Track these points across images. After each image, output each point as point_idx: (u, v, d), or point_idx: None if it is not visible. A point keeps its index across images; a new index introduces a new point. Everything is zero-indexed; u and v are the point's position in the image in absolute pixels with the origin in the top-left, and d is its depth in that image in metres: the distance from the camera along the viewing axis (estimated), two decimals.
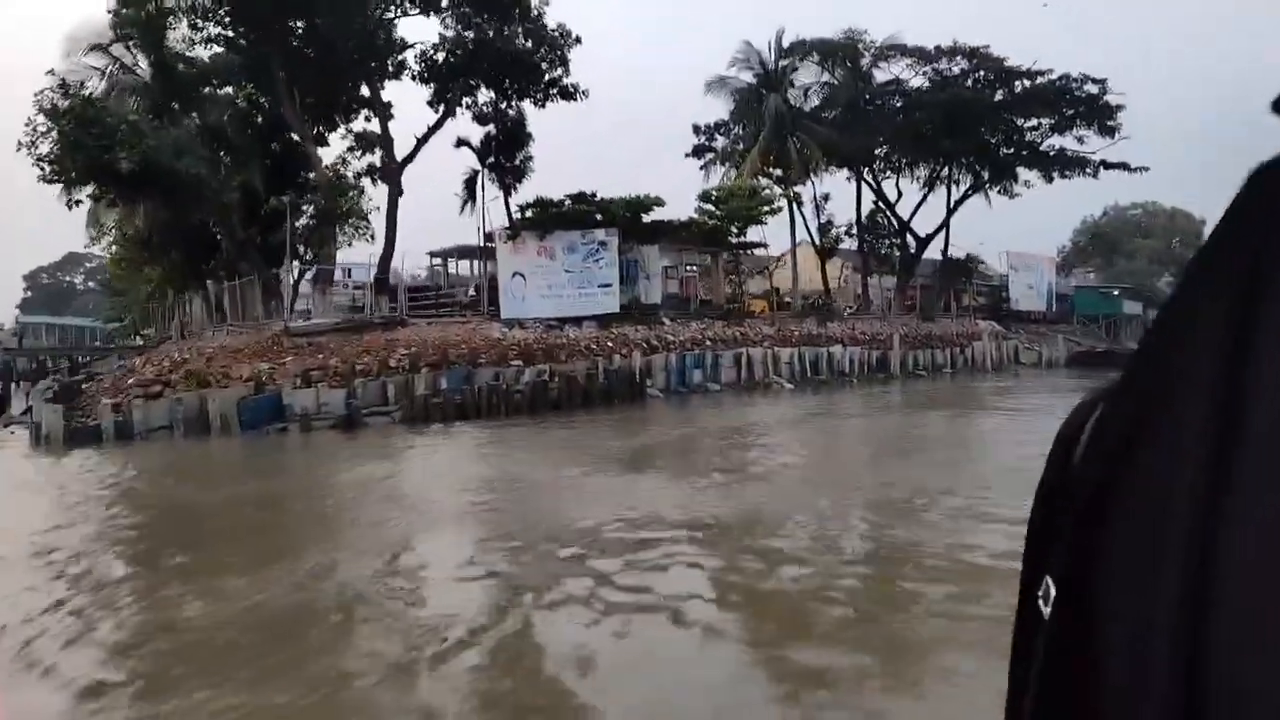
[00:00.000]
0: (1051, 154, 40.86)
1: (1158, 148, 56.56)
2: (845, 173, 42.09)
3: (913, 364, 36.26)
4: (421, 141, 27.02)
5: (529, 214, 28.31)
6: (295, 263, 26.19)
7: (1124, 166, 40.73)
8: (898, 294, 43.28)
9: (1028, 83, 37.62)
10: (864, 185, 42.09)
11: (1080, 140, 39.02)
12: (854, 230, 40.59)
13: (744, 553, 7.60)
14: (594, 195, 28.27)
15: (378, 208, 30.23)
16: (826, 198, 40.59)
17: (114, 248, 32.74)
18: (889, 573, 7.05)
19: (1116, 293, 58.28)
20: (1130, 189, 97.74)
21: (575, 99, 28.06)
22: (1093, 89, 37.46)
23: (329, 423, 18.10)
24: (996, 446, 14.05)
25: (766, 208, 32.58)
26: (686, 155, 41.29)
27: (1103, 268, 69.34)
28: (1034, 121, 39.18)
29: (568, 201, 28.49)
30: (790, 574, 6.95)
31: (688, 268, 36.18)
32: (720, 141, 40.62)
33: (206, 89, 27.00)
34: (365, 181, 32.75)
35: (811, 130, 36.59)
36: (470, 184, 29.90)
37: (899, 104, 38.33)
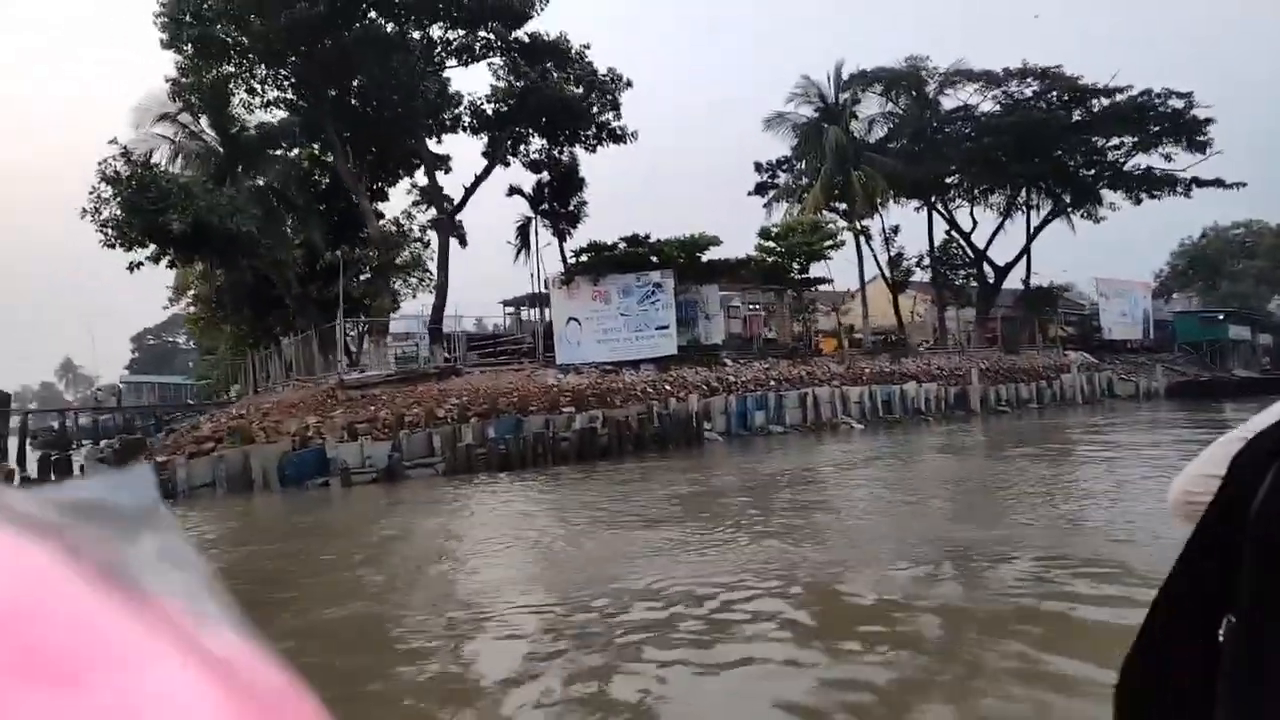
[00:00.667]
0: (1136, 174, 38.70)
1: (1258, 163, 53.20)
2: (916, 204, 40.85)
3: (995, 399, 34.34)
4: (469, 191, 27.20)
5: (583, 259, 28.02)
6: (355, 316, 26.43)
7: (1219, 183, 38.27)
8: (977, 326, 41.36)
9: (1105, 101, 35.76)
10: (936, 215, 40.71)
11: (1168, 158, 36.83)
12: (925, 261, 39.04)
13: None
14: (647, 237, 27.82)
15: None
16: (896, 230, 39.31)
17: (190, 307, 33.87)
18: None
19: (1221, 317, 54.57)
20: (1231, 208, 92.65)
21: (625, 142, 27.87)
22: (1177, 103, 35.35)
23: (370, 476, 17.82)
24: (1097, 499, 12.67)
25: (829, 242, 31.50)
26: (749, 194, 40.72)
27: (1205, 292, 65.26)
28: (1115, 141, 37.17)
29: (621, 245, 28.09)
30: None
31: (750, 306, 35.27)
32: (783, 178, 39.85)
33: (271, 150, 27.77)
34: (431, 234, 33.34)
35: (875, 161, 35.48)
36: (523, 230, 29.93)
37: (967, 130, 36.90)
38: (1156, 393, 40.71)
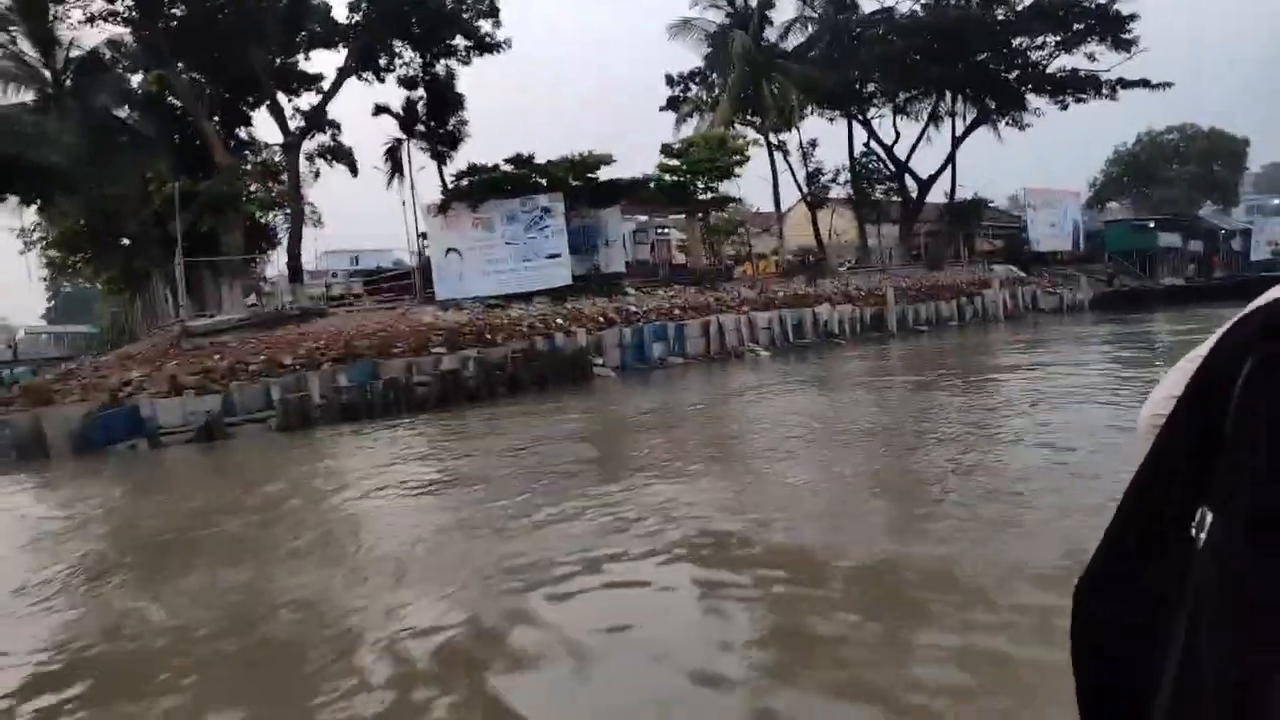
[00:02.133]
0: (1061, 76, 37.02)
1: (1191, 64, 51.82)
2: (835, 115, 38.83)
3: (913, 319, 33.12)
4: (318, 109, 24.59)
5: (463, 184, 25.75)
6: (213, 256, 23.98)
7: (1144, 84, 36.78)
8: (900, 243, 39.99)
9: None
10: (857, 128, 38.77)
11: (1092, 58, 35.15)
12: (840, 177, 37.24)
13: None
14: (531, 157, 25.59)
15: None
16: (814, 144, 37.39)
17: (49, 249, 30.97)
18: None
19: (1152, 225, 53.84)
20: (1165, 113, 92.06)
21: (496, 51, 25.36)
22: None
23: (186, 436, 15.90)
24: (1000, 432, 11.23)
25: (736, 157, 29.49)
26: (660, 109, 38.30)
27: (1139, 199, 64.57)
28: (1038, 42, 35.32)
29: (506, 167, 25.84)
30: None
31: (659, 231, 33.33)
32: (695, 92, 37.51)
33: (105, 73, 24.79)
34: (322, 164, 30.67)
35: (789, 70, 33.31)
36: (393, 153, 27.42)
37: (883, 32, 34.72)
38: (1081, 305, 39.91)
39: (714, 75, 36.87)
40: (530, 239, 26.04)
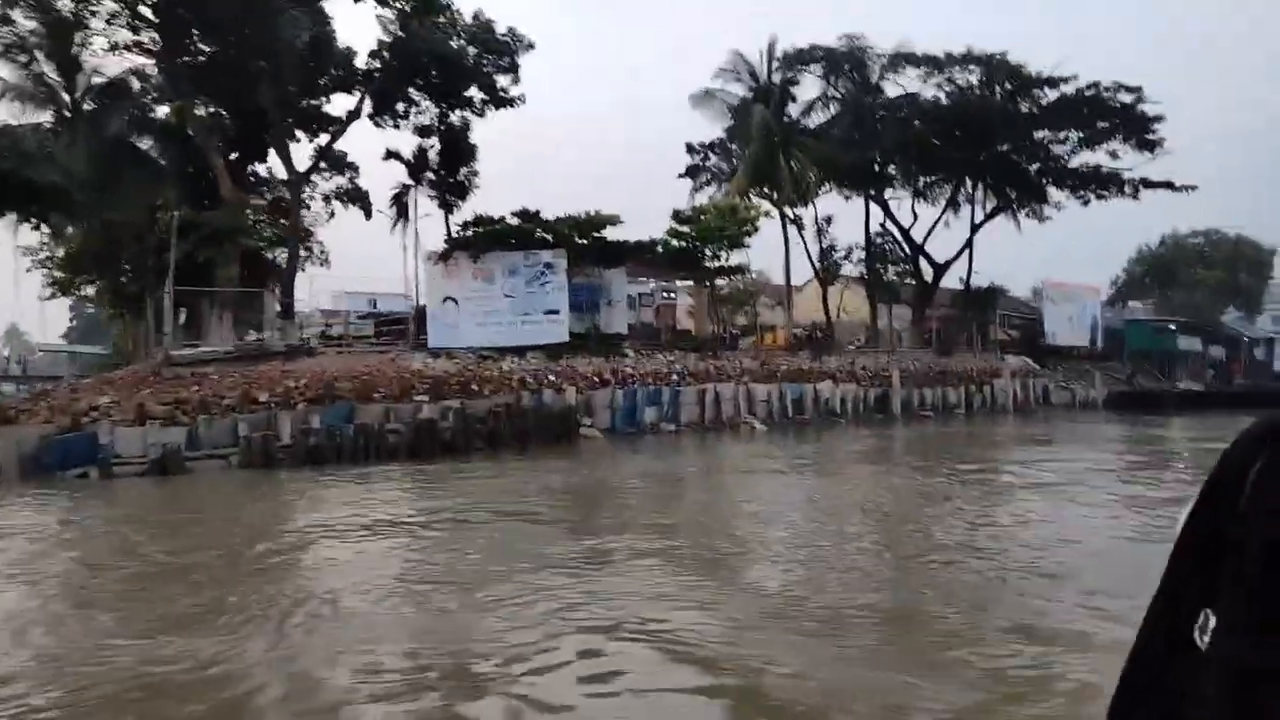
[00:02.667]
0: (1083, 171, 36.77)
1: (1218, 171, 51.64)
2: (855, 194, 38.68)
3: (918, 403, 32.35)
4: (325, 149, 24.61)
5: (468, 234, 25.58)
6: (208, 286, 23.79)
7: (1168, 185, 36.43)
8: (912, 326, 39.39)
9: (1050, 92, 33.73)
10: (875, 208, 38.55)
11: (1114, 155, 34.91)
12: (854, 256, 36.86)
13: None
14: (537, 213, 25.42)
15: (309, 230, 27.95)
16: (829, 220, 37.11)
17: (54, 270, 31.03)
18: None
19: (1173, 327, 52.99)
20: (1191, 216, 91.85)
21: (511, 106, 25.41)
22: (1126, 98, 33.40)
23: (140, 468, 15.36)
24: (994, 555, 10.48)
25: (746, 227, 29.22)
26: (679, 176, 38.35)
27: (1161, 301, 63.82)
28: (1060, 135, 35.19)
29: (512, 220, 25.67)
30: None
31: (665, 295, 32.97)
32: (715, 162, 37.58)
33: (124, 100, 25.06)
34: (336, 205, 30.76)
35: (807, 146, 33.28)
36: (399, 199, 27.37)
37: (905, 115, 34.72)
38: (1094, 403, 38.96)
39: (734, 146, 36.99)
40: (530, 293, 25.71)
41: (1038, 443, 22.89)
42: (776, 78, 35.14)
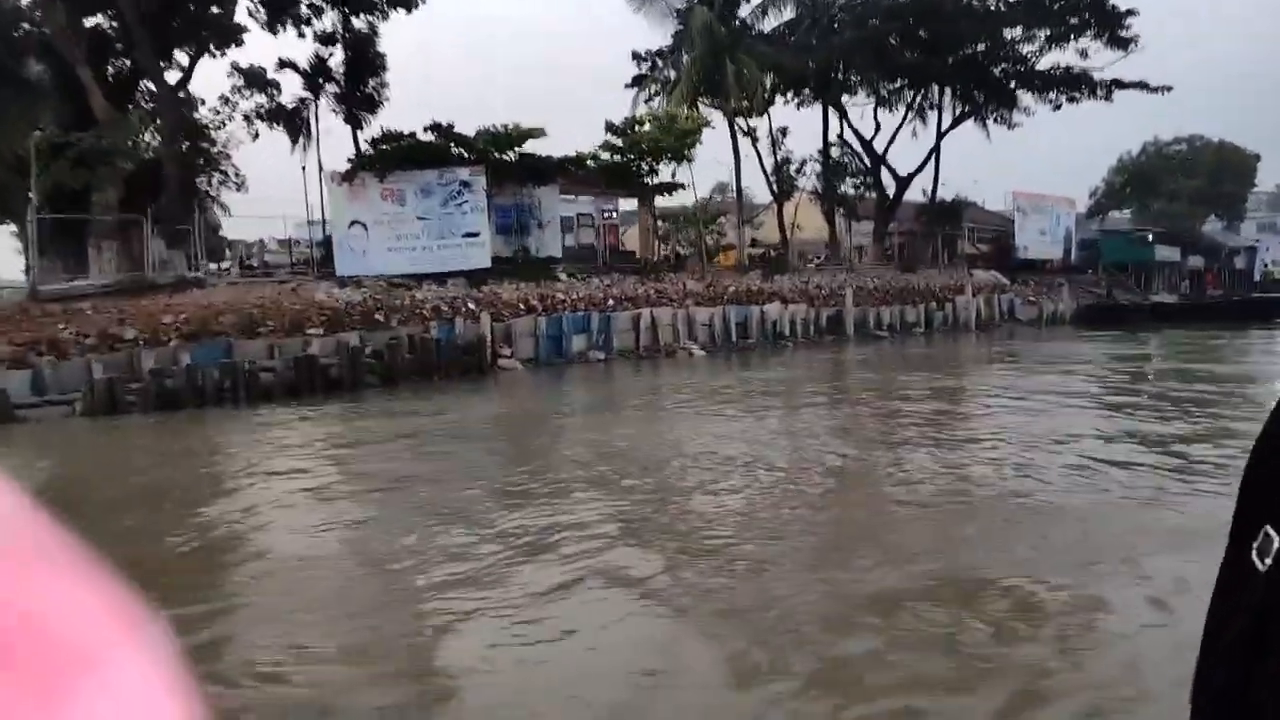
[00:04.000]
0: (1053, 72, 34.55)
1: (1201, 75, 49.21)
2: (815, 104, 36.43)
3: (874, 323, 30.86)
4: (193, 62, 22.38)
5: (372, 151, 23.54)
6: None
7: (1142, 86, 34.35)
8: (875, 243, 37.67)
9: None
10: (836, 117, 36.36)
11: (1085, 54, 32.68)
12: (807, 168, 34.81)
13: None
14: (450, 126, 23.37)
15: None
16: (784, 131, 34.94)
17: None
18: None
19: (1150, 237, 51.27)
20: (1177, 124, 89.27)
21: (411, 8, 23.06)
22: None
23: None
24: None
25: (687, 139, 27.18)
26: (626, 86, 35.91)
27: (1141, 211, 61.95)
28: (1027, 34, 32.85)
29: (425, 135, 23.65)
30: None
31: (605, 214, 31.06)
32: (661, 71, 35.13)
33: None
34: (259, 125, 28.48)
35: (755, 50, 30.95)
36: (294, 115, 25.16)
37: (859, 12, 32.28)
38: (1063, 317, 37.57)
39: (684, 54, 34.56)
40: (447, 215, 23.86)
41: (988, 364, 21.52)
42: None
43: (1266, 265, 56.38)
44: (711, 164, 37.34)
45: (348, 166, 23.32)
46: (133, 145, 20.86)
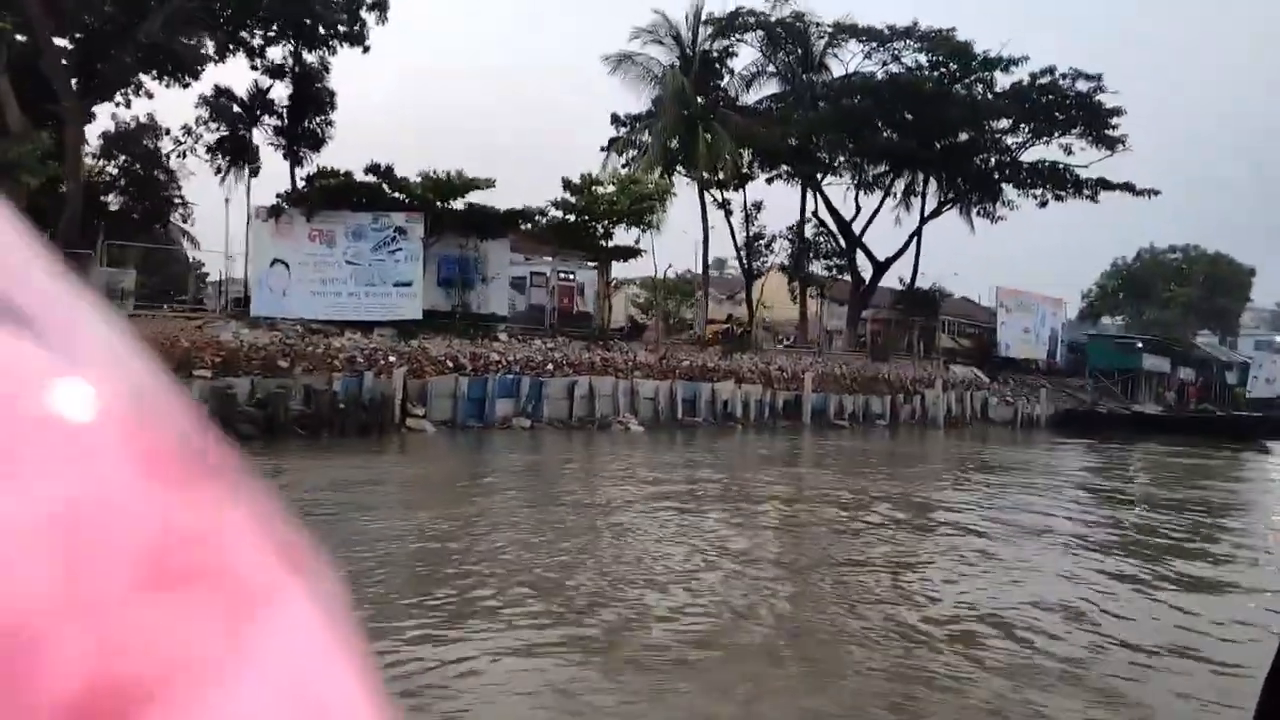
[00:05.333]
0: (1039, 166, 33.66)
1: (1199, 190, 48.67)
2: (793, 180, 35.51)
3: (835, 411, 29.26)
4: (98, 78, 21.31)
5: (304, 189, 22.35)
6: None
7: (1128, 188, 33.41)
8: (847, 327, 36.30)
9: (998, 74, 30.59)
10: (816, 196, 35.39)
11: (1068, 151, 31.82)
12: (776, 245, 33.67)
13: None
14: (390, 169, 22.20)
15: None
16: (758, 206, 33.99)
17: None
18: None
19: (1139, 344, 50.01)
20: (1172, 232, 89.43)
21: (361, 45, 22.15)
22: (1083, 86, 30.29)
23: None
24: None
25: (646, 203, 26.03)
26: (602, 149, 35.11)
27: (1134, 317, 60.94)
28: (1011, 126, 32.06)
29: (361, 176, 22.47)
30: None
31: (563, 276, 29.77)
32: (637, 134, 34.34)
33: None
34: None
35: (730, 121, 30.10)
36: (226, 144, 24.02)
37: (838, 89, 31.52)
38: (1038, 420, 35.95)
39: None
40: (378, 261, 22.52)
41: (904, 467, 19.81)
42: (707, 44, 31.99)
43: (1233, 385, 55.13)
44: (681, 234, 36.28)
45: (275, 201, 22.06)
46: (41, 161, 19.58)
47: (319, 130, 23.78)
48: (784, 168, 34.23)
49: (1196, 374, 55.66)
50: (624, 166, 33.85)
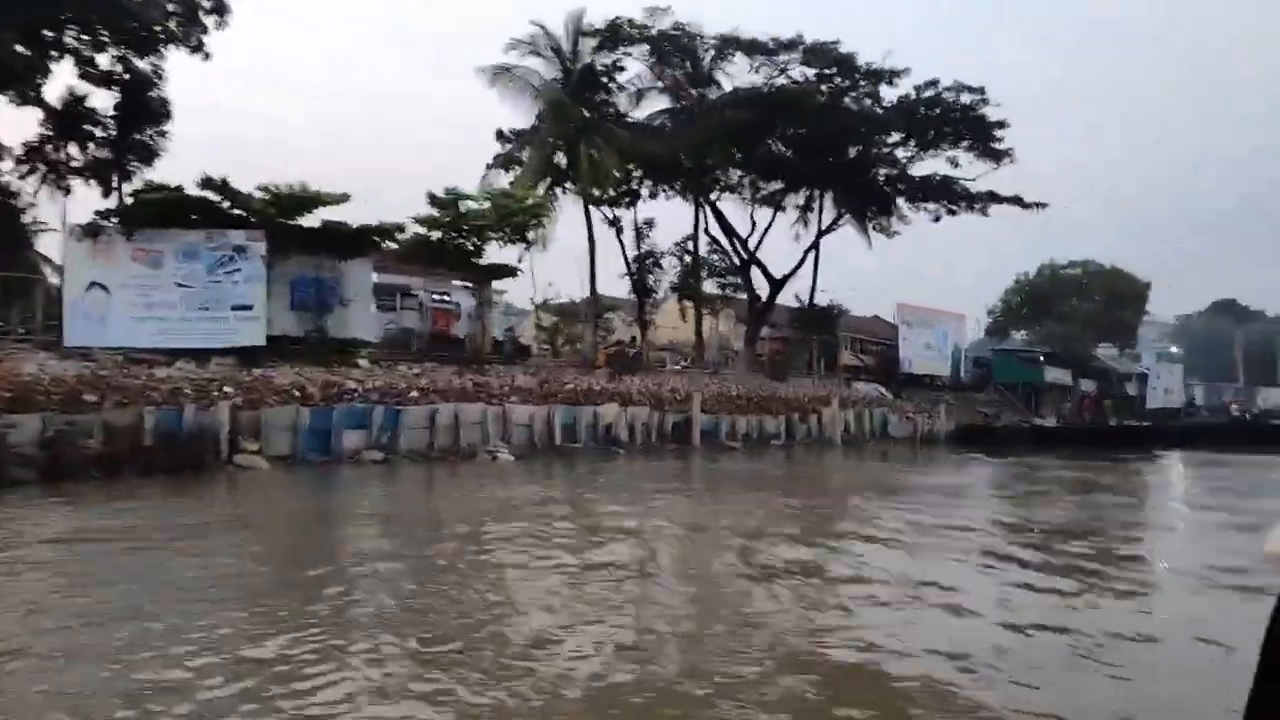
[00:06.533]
0: (932, 180, 33.43)
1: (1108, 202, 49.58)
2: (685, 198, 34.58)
3: (727, 433, 28.16)
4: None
5: (127, 204, 20.35)
6: None
7: (1017, 201, 33.43)
8: (746, 346, 35.43)
9: (884, 87, 30.23)
10: (713, 216, 34.52)
11: (954, 164, 31.62)
12: (664, 263, 32.65)
13: None
14: (225, 181, 20.40)
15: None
16: (650, 223, 32.94)
17: None
18: None
19: (1041, 358, 50.58)
20: (1075, 246, 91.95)
21: (195, 47, 20.40)
22: (967, 99, 30.10)
23: None
24: None
25: (519, 218, 24.66)
26: (488, 167, 33.64)
27: (1037, 333, 61.85)
28: (898, 138, 31.74)
29: (194, 191, 20.59)
30: None
31: (437, 297, 28.13)
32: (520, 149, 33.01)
33: None
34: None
35: (610, 134, 29.01)
36: (36, 154, 21.92)
37: (725, 100, 30.76)
38: (938, 436, 35.52)
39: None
40: (214, 283, 20.61)
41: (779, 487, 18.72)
42: (590, 57, 30.91)
43: (1132, 396, 56.51)
44: (571, 253, 34.98)
45: (91, 219, 20.03)
46: None
47: (151, 142, 21.81)
48: (677, 184, 33.36)
49: (1098, 386, 56.63)
50: (512, 184, 32.52)
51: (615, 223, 32.19)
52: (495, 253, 26.58)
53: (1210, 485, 20.71)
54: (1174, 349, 71.25)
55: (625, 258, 32.41)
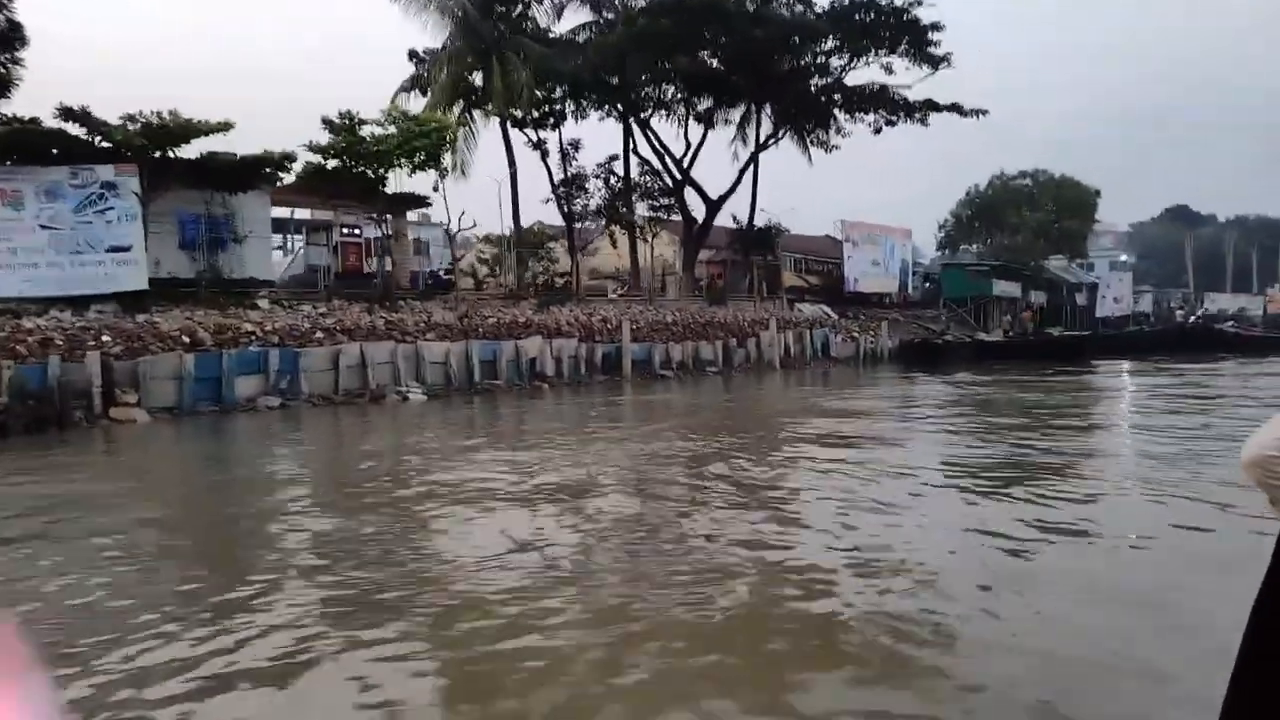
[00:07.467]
0: (867, 89, 32.05)
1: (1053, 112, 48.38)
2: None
3: (661, 361, 27.26)
4: None
5: None
6: None
7: (955, 109, 32.22)
8: (683, 271, 34.30)
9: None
10: (640, 133, 32.90)
11: (889, 70, 30.25)
12: (591, 186, 31.19)
13: None
14: (86, 111, 18.58)
15: None
16: (576, 145, 31.31)
17: None
18: None
19: (987, 270, 49.96)
20: (1027, 157, 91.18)
21: None
22: (899, 1, 28.57)
23: None
24: None
25: (425, 142, 23.03)
26: (401, 90, 31.61)
27: (988, 246, 61.29)
28: (829, 45, 30.20)
29: (52, 122, 18.76)
30: None
31: (345, 231, 26.57)
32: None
33: None
34: None
35: (524, 49, 27.19)
36: None
37: (635, 11, 28.96)
38: (882, 355, 34.96)
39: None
40: (84, 224, 18.97)
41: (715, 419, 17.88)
42: None
43: (1083, 306, 56.60)
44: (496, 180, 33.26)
45: None
46: None
47: (3, 69, 19.78)
48: (605, 104, 31.67)
49: (1048, 297, 56.45)
50: (395, 100, 30.60)
51: (540, 144, 30.54)
52: (407, 182, 24.97)
53: (1133, 404, 20.24)
54: (1125, 257, 71.33)
55: (551, 182, 30.88)
